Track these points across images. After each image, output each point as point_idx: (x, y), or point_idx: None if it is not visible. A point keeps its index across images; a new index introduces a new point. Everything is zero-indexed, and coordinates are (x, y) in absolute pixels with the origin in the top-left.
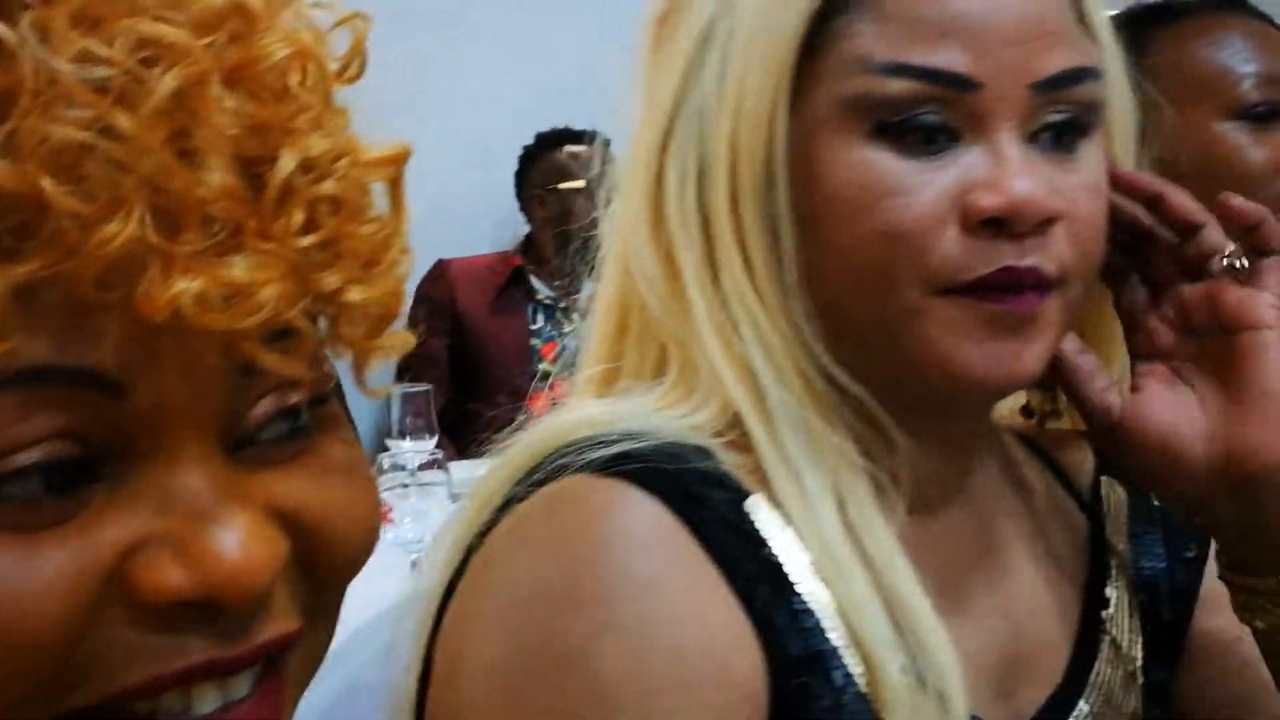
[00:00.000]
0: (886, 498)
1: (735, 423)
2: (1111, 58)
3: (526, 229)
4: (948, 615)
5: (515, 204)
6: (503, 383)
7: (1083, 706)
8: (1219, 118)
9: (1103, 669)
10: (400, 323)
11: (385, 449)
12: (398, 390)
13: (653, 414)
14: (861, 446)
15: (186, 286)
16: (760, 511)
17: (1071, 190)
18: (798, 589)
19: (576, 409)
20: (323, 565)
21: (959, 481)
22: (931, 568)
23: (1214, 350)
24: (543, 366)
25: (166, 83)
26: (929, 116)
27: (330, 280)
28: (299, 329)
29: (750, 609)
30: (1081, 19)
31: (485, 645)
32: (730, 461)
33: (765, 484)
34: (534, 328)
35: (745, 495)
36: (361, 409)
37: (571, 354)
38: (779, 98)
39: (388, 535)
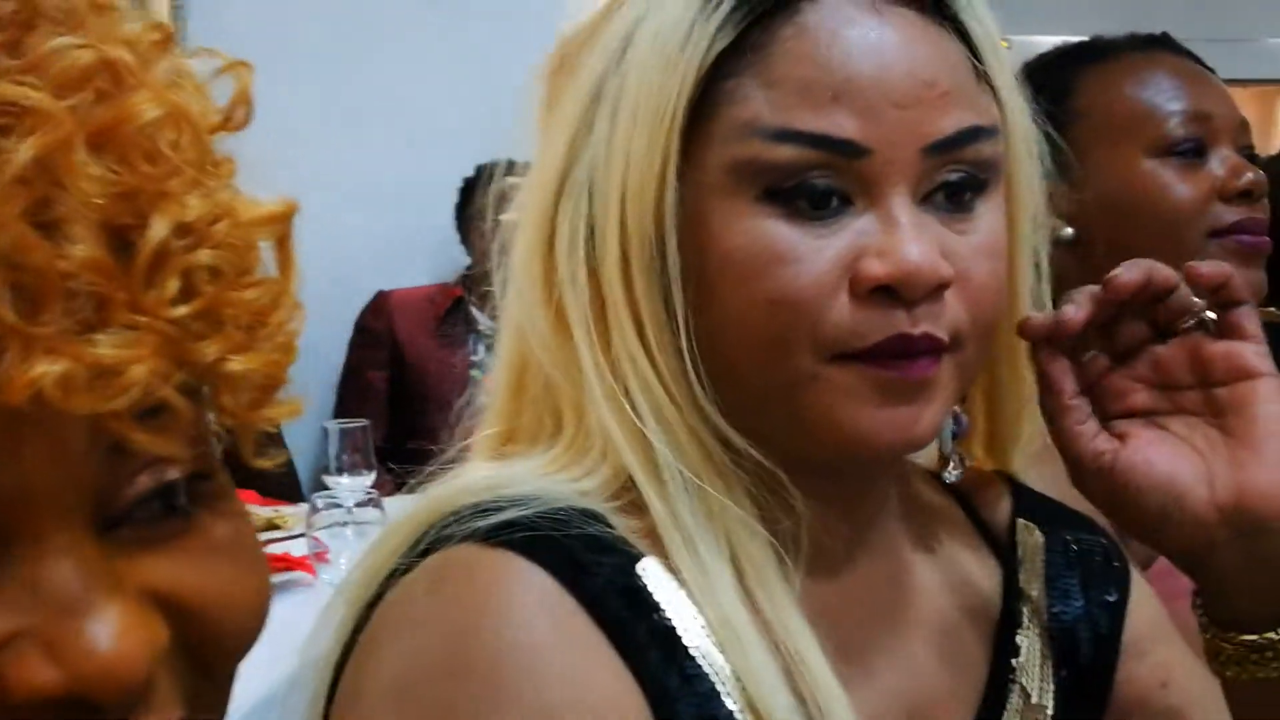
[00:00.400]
0: (785, 561)
1: (629, 486)
2: (1015, 111)
3: (466, 260)
4: (848, 677)
5: (455, 235)
6: (444, 415)
7: None
8: (1146, 155)
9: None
10: (338, 355)
11: (324, 486)
12: (334, 426)
13: (540, 478)
14: (759, 510)
15: (48, 369)
16: (652, 576)
17: (966, 253)
18: (691, 653)
19: (462, 475)
20: (208, 650)
21: (860, 539)
22: (832, 629)
23: (1200, 403)
24: (483, 399)
25: (24, 151)
26: (819, 181)
27: (209, 351)
28: (173, 405)
29: (641, 676)
30: (980, 76)
31: None
32: (622, 526)
33: (659, 547)
34: (475, 359)
35: (636, 559)
36: (299, 444)
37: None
38: (668, 160)
39: (323, 575)
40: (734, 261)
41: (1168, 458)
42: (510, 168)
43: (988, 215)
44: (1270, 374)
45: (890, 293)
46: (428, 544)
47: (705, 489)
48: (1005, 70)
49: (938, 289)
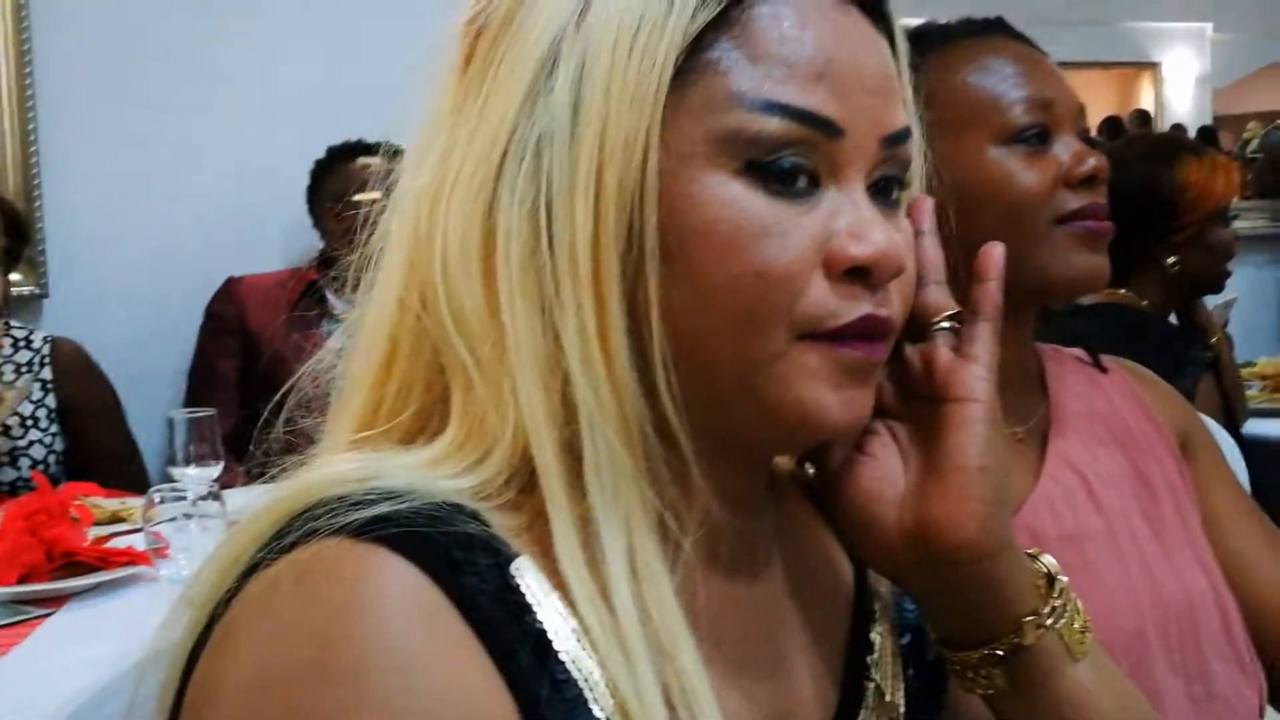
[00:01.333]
0: (674, 563)
1: (512, 481)
2: (913, 113)
3: (320, 245)
4: (722, 677)
5: (308, 219)
6: (298, 403)
7: None
8: (991, 143)
9: (868, 718)
10: (189, 343)
11: (170, 479)
12: (180, 416)
13: (416, 471)
14: (663, 502)
15: None
16: (527, 575)
17: (902, 244)
18: (561, 658)
19: (329, 465)
20: None
21: (742, 537)
22: (707, 627)
23: (926, 416)
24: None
25: None
26: (793, 159)
27: None
28: None
29: (511, 679)
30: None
31: None
32: (499, 524)
33: (536, 547)
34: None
35: (512, 558)
36: (147, 434)
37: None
38: (651, 130)
39: (163, 571)
40: (717, 233)
41: (872, 480)
42: (373, 148)
43: (902, 211)
44: (977, 401)
45: (859, 275)
46: (294, 537)
47: (620, 475)
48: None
49: (895, 275)
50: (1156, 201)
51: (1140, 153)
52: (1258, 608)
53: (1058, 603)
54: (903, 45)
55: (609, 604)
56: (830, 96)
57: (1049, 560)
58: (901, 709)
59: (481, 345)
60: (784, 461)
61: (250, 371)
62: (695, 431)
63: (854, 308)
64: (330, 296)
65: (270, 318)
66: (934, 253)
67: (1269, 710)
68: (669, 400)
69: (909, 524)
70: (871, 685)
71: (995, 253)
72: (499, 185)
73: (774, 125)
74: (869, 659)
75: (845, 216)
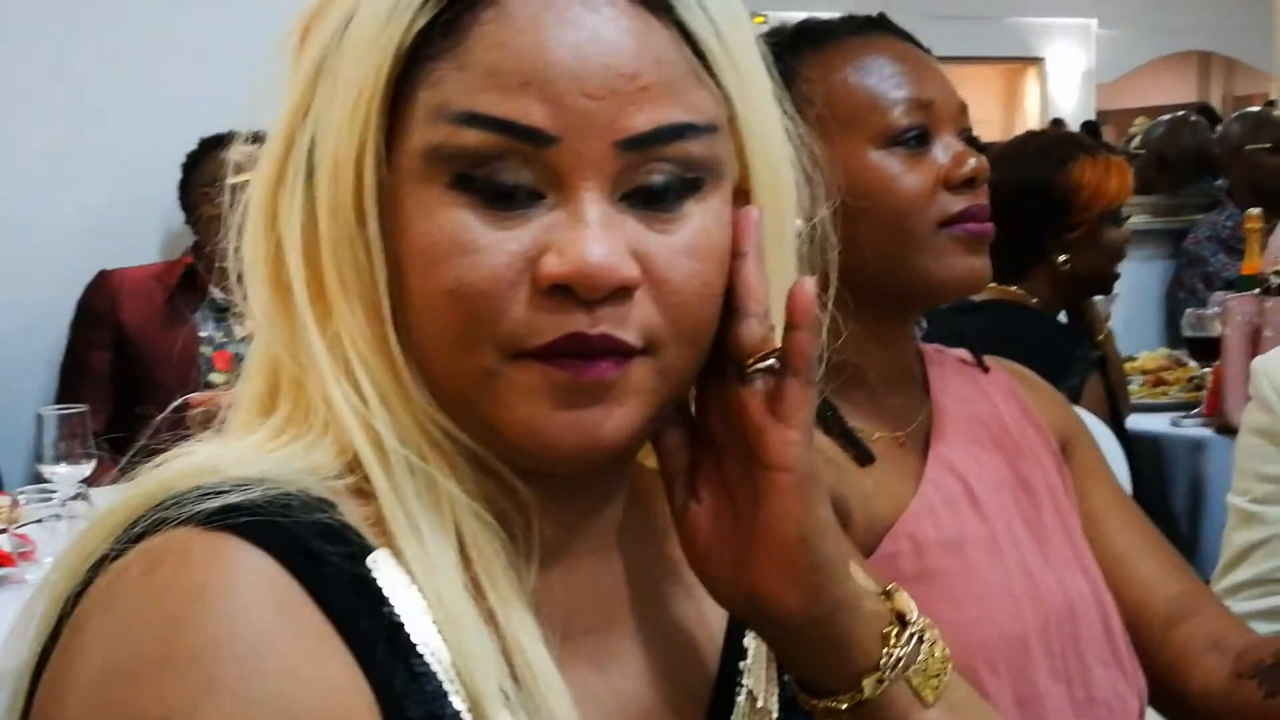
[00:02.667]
0: (514, 553)
1: (357, 465)
2: (752, 106)
3: (194, 238)
4: (577, 675)
5: (181, 214)
6: (170, 396)
7: None
8: (873, 146)
9: None
10: (61, 338)
11: (41, 477)
12: (50, 412)
13: (265, 459)
14: (487, 500)
15: None
16: (383, 568)
17: (665, 254)
18: (419, 650)
19: (182, 457)
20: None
21: (595, 539)
22: (564, 627)
23: (745, 461)
24: (212, 377)
25: None
26: (510, 173)
27: None
28: None
29: (368, 670)
30: (708, 69)
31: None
32: (354, 514)
33: (388, 536)
34: (203, 335)
35: (368, 550)
36: (15, 430)
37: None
38: (365, 141)
39: (29, 575)
40: (420, 249)
41: (705, 530)
42: (239, 138)
43: (698, 216)
44: (790, 471)
45: (570, 292)
46: (143, 528)
47: (431, 475)
48: (742, 63)
49: (620, 291)
50: (1050, 200)
51: (1034, 150)
52: (1137, 610)
53: (905, 650)
54: (708, 29)
55: (449, 589)
56: (538, 103)
57: (903, 600)
58: (775, 714)
59: (286, 345)
60: (651, 460)
61: (123, 365)
62: (475, 437)
63: (559, 325)
64: (212, 289)
65: (143, 311)
66: (753, 279)
67: (1150, 712)
68: (425, 405)
69: (741, 588)
70: (744, 690)
71: (804, 295)
72: (279, 194)
73: (472, 137)
74: (742, 665)
75: (560, 229)
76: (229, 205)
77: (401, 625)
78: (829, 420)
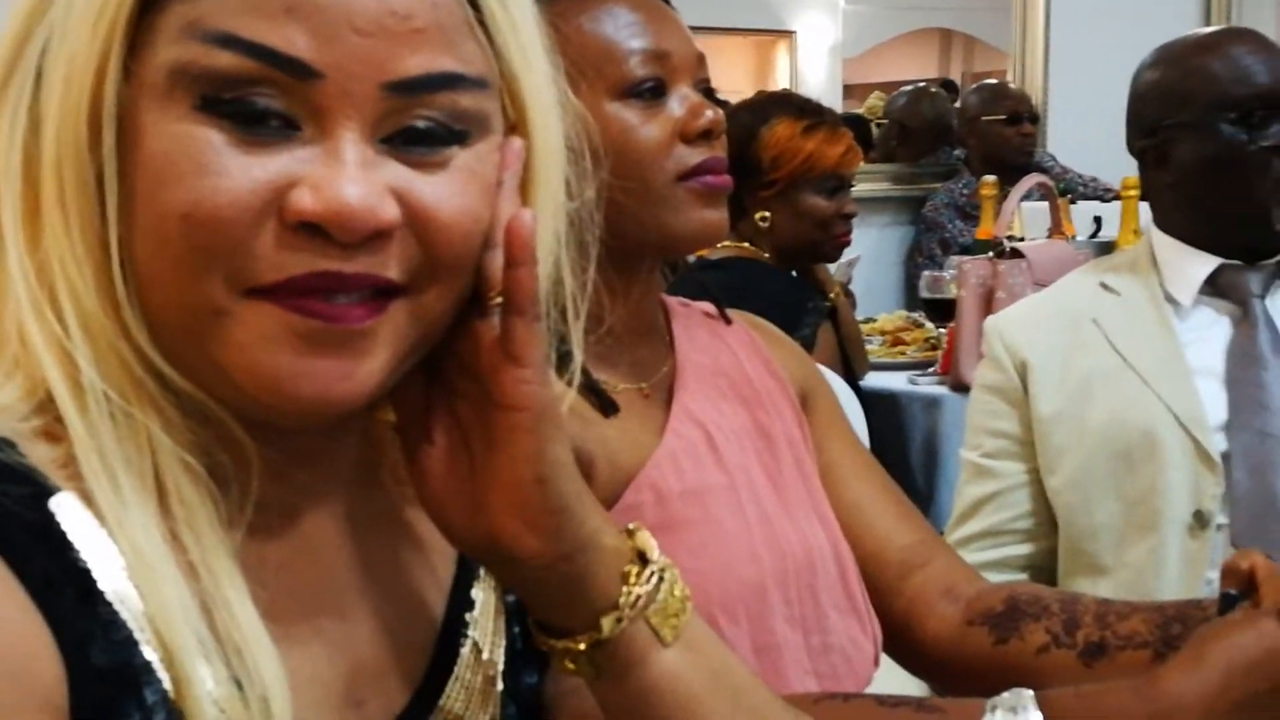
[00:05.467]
0: (223, 503)
1: (48, 406)
2: (526, 66)
3: None
4: (288, 633)
5: None
6: None
7: (443, 709)
8: (609, 97)
9: (462, 673)
10: None
11: None
12: None
13: None
14: (202, 450)
15: None
16: (68, 511)
17: (429, 191)
18: (108, 597)
19: None
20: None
21: (317, 493)
22: (275, 583)
23: (485, 405)
24: None
25: None
26: (263, 101)
27: None
28: None
29: (49, 614)
30: (480, 22)
31: None
32: (38, 455)
33: (79, 481)
34: None
35: (51, 493)
36: None
37: None
38: (110, 53)
39: None
40: (154, 167)
41: (439, 475)
42: None
43: (467, 164)
44: (525, 410)
45: (321, 231)
46: None
47: (133, 416)
48: (520, 23)
49: (378, 234)
50: (746, 155)
51: (747, 107)
52: (873, 558)
53: (645, 589)
54: None
55: (144, 539)
56: (304, 34)
57: (644, 539)
58: (500, 666)
59: None
60: (383, 411)
61: None
62: (194, 380)
63: (304, 263)
64: None
65: None
66: (506, 210)
67: (884, 658)
68: (143, 341)
69: (477, 531)
70: (469, 641)
71: (522, 229)
72: (3, 103)
73: (226, 60)
74: (468, 616)
75: (315, 164)
76: None
77: (88, 571)
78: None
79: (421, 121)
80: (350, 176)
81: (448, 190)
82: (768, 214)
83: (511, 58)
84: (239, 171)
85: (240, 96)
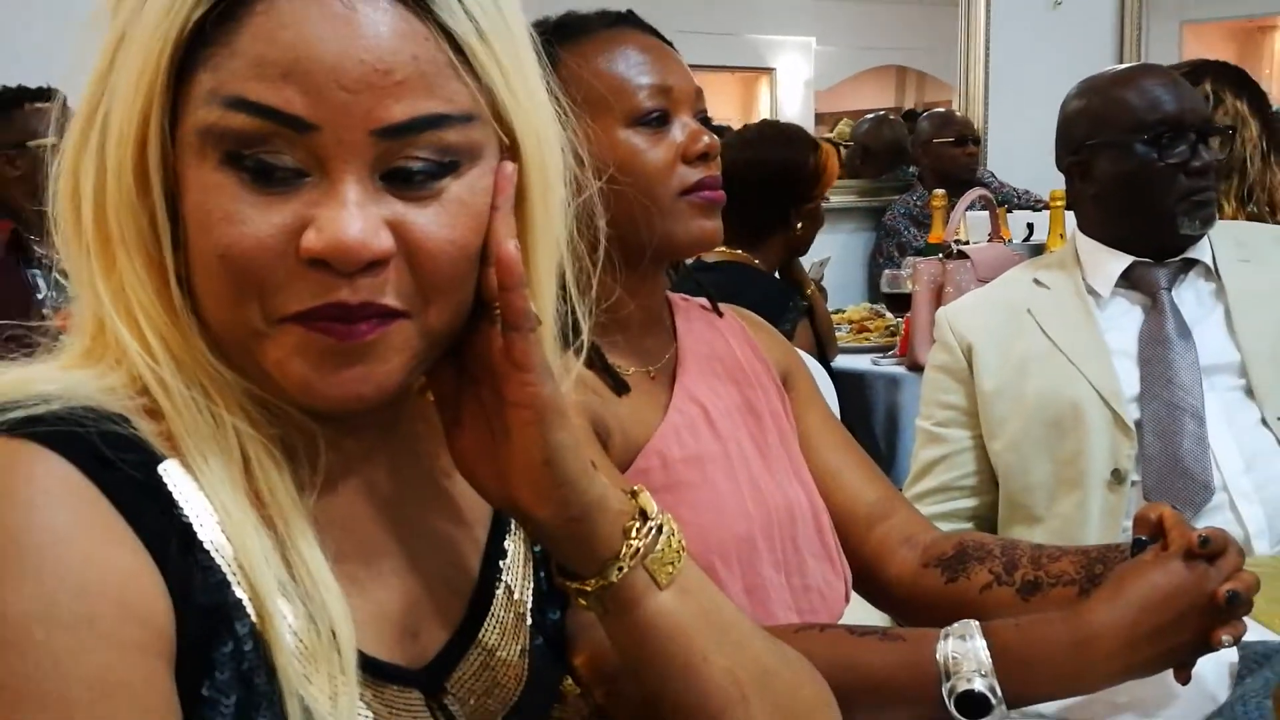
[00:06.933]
0: (295, 471)
1: (148, 390)
2: (520, 92)
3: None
4: (353, 576)
5: None
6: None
7: (482, 641)
8: (622, 125)
9: (497, 611)
10: None
11: None
12: None
13: (66, 376)
14: (270, 427)
15: None
16: (173, 476)
17: (422, 223)
18: (206, 546)
19: None
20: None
21: (374, 462)
22: (341, 535)
23: (498, 394)
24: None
25: None
26: (275, 154)
27: None
28: None
29: (159, 560)
30: (466, 63)
31: None
32: (146, 429)
33: (179, 452)
34: (40, 297)
35: (159, 460)
36: None
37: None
38: (150, 118)
39: None
40: (196, 214)
41: (469, 449)
42: (45, 94)
43: (455, 188)
44: (529, 408)
45: (326, 264)
46: None
47: (215, 404)
48: (506, 57)
49: (375, 263)
50: (802, 178)
51: (785, 139)
52: (844, 512)
53: (644, 541)
54: (468, 27)
55: (230, 497)
56: (299, 93)
57: (646, 499)
58: (529, 604)
59: (86, 285)
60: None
61: None
62: (245, 379)
63: (320, 293)
64: (33, 244)
65: None
66: (501, 231)
67: (854, 596)
68: (203, 349)
69: (504, 496)
70: (502, 584)
71: (507, 256)
72: (84, 151)
73: (240, 120)
74: (502, 564)
75: (321, 206)
76: (50, 166)
77: (190, 525)
78: (592, 357)
79: (414, 162)
80: (350, 214)
81: (437, 222)
82: (802, 223)
83: (498, 89)
84: (260, 219)
85: (256, 154)
